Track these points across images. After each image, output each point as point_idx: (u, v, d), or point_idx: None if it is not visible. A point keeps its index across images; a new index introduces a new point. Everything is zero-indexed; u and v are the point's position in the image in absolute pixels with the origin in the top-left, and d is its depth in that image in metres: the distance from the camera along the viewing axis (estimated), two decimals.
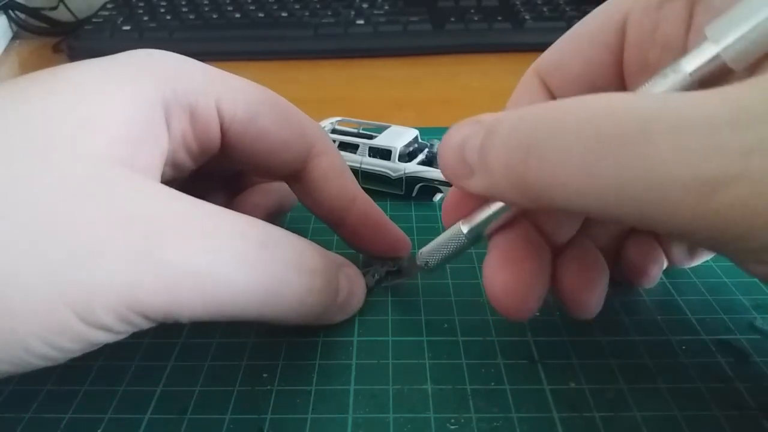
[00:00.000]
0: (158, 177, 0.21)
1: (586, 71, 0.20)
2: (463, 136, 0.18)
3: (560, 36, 0.21)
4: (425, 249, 0.24)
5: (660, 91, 0.16)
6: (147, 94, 0.20)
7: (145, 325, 0.17)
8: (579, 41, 0.21)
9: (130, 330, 0.17)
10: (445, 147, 0.19)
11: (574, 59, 0.20)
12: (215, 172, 0.26)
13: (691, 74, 0.16)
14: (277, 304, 0.19)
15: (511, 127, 0.16)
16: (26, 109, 0.17)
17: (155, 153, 0.20)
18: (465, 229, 0.21)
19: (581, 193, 0.14)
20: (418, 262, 0.24)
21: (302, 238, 0.21)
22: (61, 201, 0.16)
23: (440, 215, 0.31)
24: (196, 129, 0.22)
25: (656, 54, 0.19)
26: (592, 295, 0.22)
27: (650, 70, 0.18)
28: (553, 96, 0.21)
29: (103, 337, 0.17)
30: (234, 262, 0.18)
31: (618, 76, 0.20)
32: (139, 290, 0.16)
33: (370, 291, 0.26)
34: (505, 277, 0.20)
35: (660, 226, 0.14)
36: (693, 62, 0.16)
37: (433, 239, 0.23)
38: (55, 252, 0.15)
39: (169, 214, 0.18)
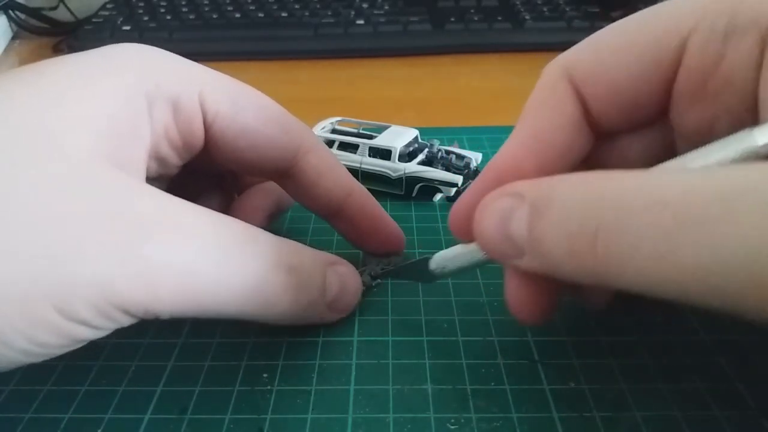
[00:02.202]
0: (143, 171, 0.21)
1: (630, 86, 0.19)
2: (503, 210, 0.18)
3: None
4: (441, 255, 0.23)
5: (726, 158, 0.15)
6: (130, 88, 0.20)
7: (126, 321, 0.17)
8: (626, 53, 0.19)
9: (111, 326, 0.17)
10: (483, 223, 0.19)
11: (619, 72, 0.19)
12: (207, 171, 0.26)
13: (761, 146, 0.14)
14: (256, 301, 0.20)
15: (567, 208, 0.16)
16: (8, 105, 0.17)
17: (139, 147, 0.20)
18: None
19: (660, 279, 0.14)
20: (432, 266, 0.23)
21: (282, 238, 0.21)
22: (41, 196, 0.16)
23: (440, 215, 0.31)
24: (179, 122, 0.22)
25: (717, 85, 0.17)
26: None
27: (708, 100, 0.18)
28: (586, 106, 0.20)
29: (84, 333, 0.17)
30: (212, 259, 0.18)
31: (664, 96, 0.19)
32: (119, 285, 0.16)
33: (368, 290, 0.26)
34: (528, 291, 0.20)
35: (754, 315, 0.13)
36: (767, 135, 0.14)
37: (450, 246, 0.22)
38: (35, 245, 0.16)
39: (148, 210, 0.18)
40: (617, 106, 0.19)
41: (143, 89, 0.20)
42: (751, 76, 0.17)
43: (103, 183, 0.17)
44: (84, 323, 0.16)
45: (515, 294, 0.20)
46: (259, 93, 0.24)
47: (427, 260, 0.23)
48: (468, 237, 0.20)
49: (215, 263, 0.18)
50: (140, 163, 0.21)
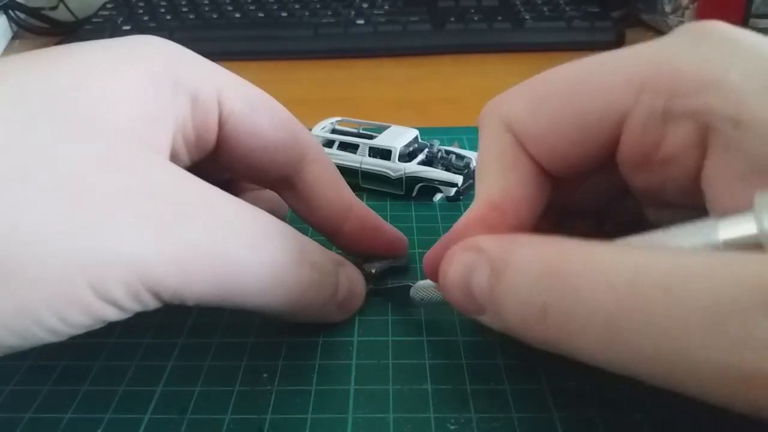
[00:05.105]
0: (168, 157, 0.21)
1: (572, 152, 0.19)
2: (466, 267, 0.18)
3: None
4: (421, 285, 0.23)
5: (684, 246, 0.15)
6: (156, 75, 0.20)
7: (152, 304, 0.17)
8: (563, 120, 0.18)
9: (137, 308, 0.17)
10: (448, 276, 0.19)
11: (560, 139, 0.18)
12: (209, 177, 0.26)
13: (724, 242, 0.15)
14: (280, 293, 0.20)
15: (520, 279, 0.16)
16: (43, 80, 0.17)
17: (164, 133, 0.20)
18: None
19: (605, 359, 0.14)
20: (412, 294, 0.23)
21: (302, 234, 0.21)
22: (82, 169, 0.16)
23: (440, 215, 0.31)
24: (196, 117, 0.22)
25: (659, 161, 0.17)
26: None
27: (652, 170, 0.18)
28: (533, 161, 0.19)
29: (110, 314, 0.17)
30: (243, 247, 0.19)
31: (609, 158, 0.19)
32: (153, 265, 0.16)
33: (368, 291, 0.26)
34: None
35: (691, 395, 0.14)
36: (730, 231, 0.15)
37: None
38: (75, 220, 0.16)
39: (185, 193, 0.18)
40: (563, 164, 0.19)
41: (169, 78, 0.20)
42: (693, 158, 0.17)
43: (139, 160, 0.18)
44: (113, 303, 0.16)
45: None
46: (272, 98, 0.24)
47: (408, 287, 0.24)
48: None
49: (246, 252, 0.19)
50: (165, 149, 0.21)
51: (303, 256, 0.20)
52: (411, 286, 0.24)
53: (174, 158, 0.23)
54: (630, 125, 0.17)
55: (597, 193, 0.21)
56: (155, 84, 0.20)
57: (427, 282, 0.23)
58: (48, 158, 0.16)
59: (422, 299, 0.23)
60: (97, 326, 0.17)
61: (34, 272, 0.15)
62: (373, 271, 0.26)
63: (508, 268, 0.17)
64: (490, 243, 0.18)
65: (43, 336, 0.16)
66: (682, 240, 0.16)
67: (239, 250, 0.18)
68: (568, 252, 0.16)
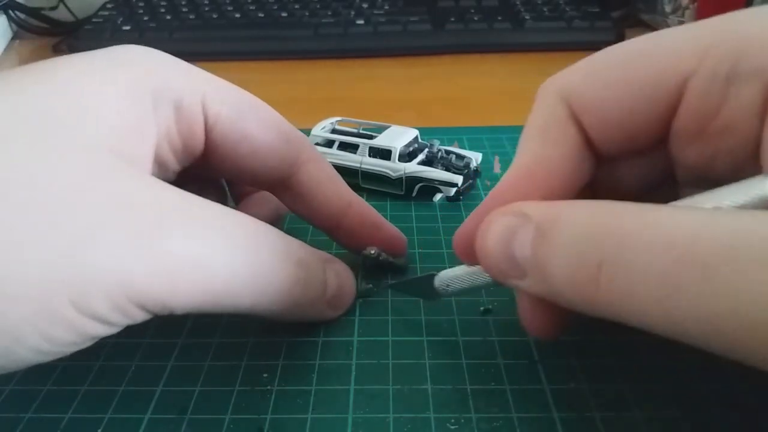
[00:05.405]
0: (149, 169, 0.21)
1: (628, 121, 0.18)
2: (507, 229, 0.18)
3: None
4: (446, 273, 0.23)
5: (735, 205, 0.15)
6: (136, 87, 0.20)
7: (140, 317, 0.17)
8: (623, 89, 0.18)
9: (124, 322, 0.17)
10: (486, 239, 0.18)
11: (616, 107, 0.18)
12: (204, 179, 0.26)
13: None
14: (268, 294, 0.20)
15: (573, 237, 0.16)
16: (21, 97, 0.17)
17: (145, 145, 0.20)
18: None
19: (659, 319, 0.14)
20: (436, 284, 0.23)
21: (286, 234, 0.22)
22: (60, 184, 0.16)
23: (440, 215, 0.31)
24: (180, 125, 0.22)
25: (717, 128, 0.17)
26: None
27: (708, 139, 0.17)
28: (586, 133, 0.19)
29: (97, 330, 0.17)
30: (228, 251, 0.19)
31: (664, 130, 0.18)
32: (138, 278, 0.16)
33: (369, 292, 0.26)
34: (540, 309, 0.20)
35: (752, 363, 0.13)
36: None
37: (456, 266, 0.22)
38: (55, 235, 0.15)
39: (165, 203, 0.18)
40: (615, 136, 0.19)
41: (149, 89, 0.20)
42: (753, 123, 0.16)
43: (118, 174, 0.18)
44: (98, 319, 0.16)
45: (527, 311, 0.20)
46: (260, 101, 0.24)
47: (432, 277, 0.23)
48: (472, 259, 0.20)
49: (230, 256, 0.19)
50: (147, 161, 0.21)
51: (288, 255, 0.21)
52: (434, 275, 0.23)
53: (161, 166, 0.22)
54: (691, 88, 0.17)
55: (636, 177, 0.21)
56: (135, 95, 0.20)
57: (451, 270, 0.22)
58: (26, 174, 0.16)
59: (447, 287, 0.23)
60: (87, 344, 0.17)
61: (12, 289, 0.15)
62: (373, 252, 0.26)
63: (556, 228, 0.16)
64: (533, 206, 0.17)
65: (27, 355, 0.16)
66: (728, 198, 0.15)
67: (223, 255, 0.18)
68: (619, 212, 0.15)
